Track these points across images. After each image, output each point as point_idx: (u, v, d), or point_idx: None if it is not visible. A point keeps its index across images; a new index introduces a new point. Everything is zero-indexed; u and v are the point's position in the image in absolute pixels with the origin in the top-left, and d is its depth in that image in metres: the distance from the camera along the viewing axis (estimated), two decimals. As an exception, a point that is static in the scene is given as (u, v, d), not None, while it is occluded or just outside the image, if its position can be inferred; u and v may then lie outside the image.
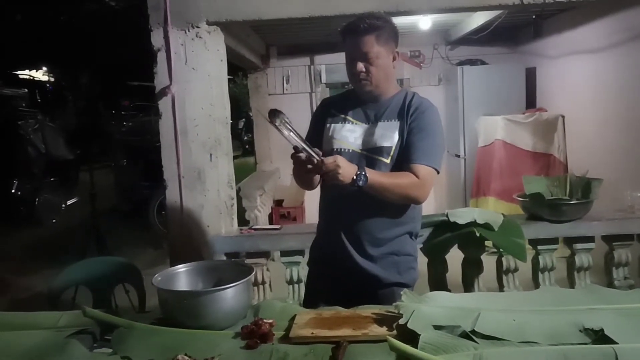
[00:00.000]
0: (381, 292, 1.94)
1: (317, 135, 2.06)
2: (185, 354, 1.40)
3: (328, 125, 2.03)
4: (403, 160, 1.89)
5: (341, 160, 1.72)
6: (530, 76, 6.20)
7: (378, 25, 1.87)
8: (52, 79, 20.22)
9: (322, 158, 1.70)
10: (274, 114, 1.66)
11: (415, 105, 1.93)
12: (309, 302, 2.03)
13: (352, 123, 1.99)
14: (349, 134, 1.98)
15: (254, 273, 1.74)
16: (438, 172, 1.91)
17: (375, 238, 1.95)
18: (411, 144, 1.89)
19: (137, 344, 1.51)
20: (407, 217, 1.99)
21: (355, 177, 1.73)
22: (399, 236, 1.98)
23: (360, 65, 1.89)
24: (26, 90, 14.90)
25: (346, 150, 1.95)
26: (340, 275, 1.97)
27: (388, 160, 1.91)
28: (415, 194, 1.87)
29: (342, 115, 2.02)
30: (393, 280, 1.96)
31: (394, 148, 1.91)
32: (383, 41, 1.89)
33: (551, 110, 5.59)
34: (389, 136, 1.91)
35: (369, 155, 1.93)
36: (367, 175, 1.75)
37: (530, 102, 6.17)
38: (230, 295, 1.62)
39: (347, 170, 1.72)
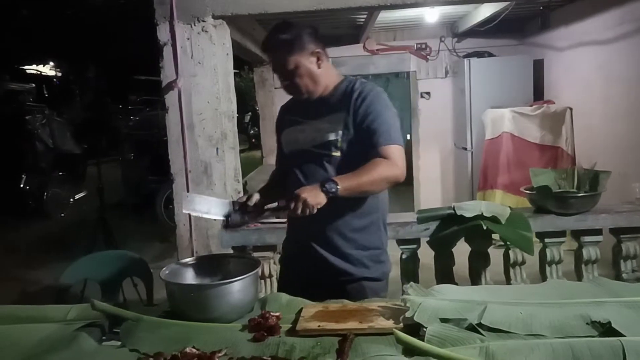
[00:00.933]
0: (350, 286, 1.94)
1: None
2: (193, 347, 1.41)
3: (283, 131, 2.07)
4: (366, 148, 1.86)
5: (301, 191, 1.71)
6: (538, 68, 6.17)
7: (283, 39, 1.87)
8: (59, 74, 20.31)
9: (288, 204, 1.72)
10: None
11: (356, 92, 1.91)
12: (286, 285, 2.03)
13: (302, 123, 2.00)
14: (300, 134, 1.99)
15: (260, 266, 1.74)
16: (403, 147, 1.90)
17: (340, 233, 1.95)
18: (366, 130, 1.87)
19: (145, 337, 1.52)
20: (371, 208, 1.97)
21: (325, 192, 1.72)
22: (364, 229, 1.97)
23: (285, 80, 1.92)
24: (33, 85, 14.97)
25: (299, 151, 1.97)
26: (310, 272, 1.97)
27: (337, 153, 1.90)
28: (394, 174, 1.84)
29: (294, 118, 2.03)
30: (362, 275, 1.96)
31: (339, 140, 1.90)
32: (297, 50, 1.87)
33: (559, 103, 5.56)
34: (333, 129, 1.91)
35: (318, 151, 1.93)
36: (336, 181, 1.74)
37: (538, 94, 6.14)
38: (237, 288, 1.63)
39: (313, 193, 1.71)
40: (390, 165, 1.82)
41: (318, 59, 1.92)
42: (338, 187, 1.73)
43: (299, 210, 1.70)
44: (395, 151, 1.85)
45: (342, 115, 1.90)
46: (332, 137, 1.90)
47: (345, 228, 1.94)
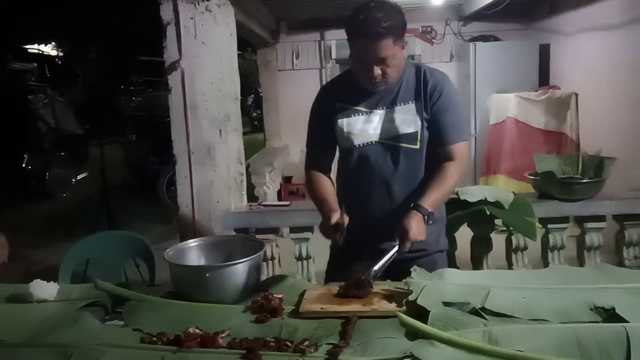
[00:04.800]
0: (422, 260, 1.83)
1: (328, 133, 1.92)
2: (196, 327, 1.42)
3: (339, 121, 1.88)
4: (435, 142, 1.82)
5: (410, 230, 1.65)
6: (544, 53, 6.11)
7: (394, 25, 1.69)
8: (61, 54, 20.21)
9: (398, 245, 1.67)
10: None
11: (432, 83, 1.82)
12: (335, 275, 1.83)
13: (366, 113, 1.85)
14: (366, 125, 1.85)
15: (264, 248, 1.74)
16: None
17: None
18: (441, 125, 1.81)
19: (148, 317, 1.53)
20: None
21: (427, 222, 1.71)
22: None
23: (377, 70, 1.74)
24: (35, 64, 14.91)
25: (368, 144, 1.85)
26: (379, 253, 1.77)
27: (417, 146, 1.82)
28: (461, 176, 1.84)
29: (353, 107, 1.87)
30: (435, 249, 1.94)
31: (420, 132, 1.81)
32: (398, 39, 1.72)
33: (564, 88, 5.51)
34: (411, 120, 1.81)
35: (393, 144, 1.83)
36: (426, 207, 1.71)
37: (544, 79, 6.08)
38: (241, 270, 1.63)
39: (420, 230, 1.68)
40: (458, 167, 1.81)
41: (403, 47, 1.78)
42: (433, 214, 1.73)
43: (408, 247, 1.68)
44: (463, 149, 1.84)
45: (418, 106, 1.82)
46: (410, 129, 1.81)
47: None
